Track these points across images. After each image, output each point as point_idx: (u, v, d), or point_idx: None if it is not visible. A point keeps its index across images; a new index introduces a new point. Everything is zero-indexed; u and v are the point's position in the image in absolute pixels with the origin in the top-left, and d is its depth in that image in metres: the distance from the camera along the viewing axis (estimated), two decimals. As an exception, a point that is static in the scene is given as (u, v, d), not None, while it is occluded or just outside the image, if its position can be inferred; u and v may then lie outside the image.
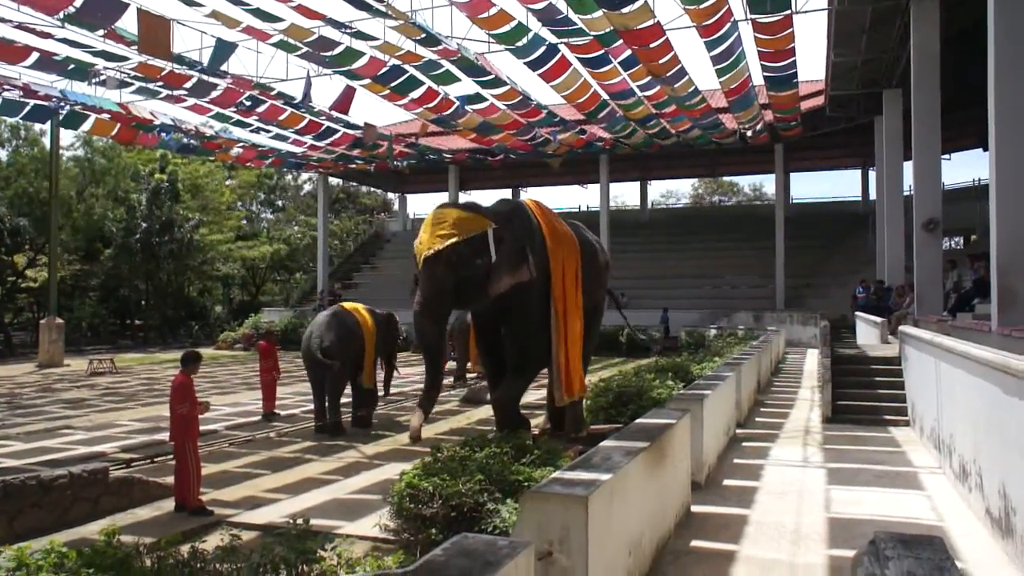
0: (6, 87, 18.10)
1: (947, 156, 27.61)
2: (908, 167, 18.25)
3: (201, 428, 7.99)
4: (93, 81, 17.89)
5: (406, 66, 16.85)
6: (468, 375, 17.84)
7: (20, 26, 14.48)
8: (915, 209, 14.40)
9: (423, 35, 14.88)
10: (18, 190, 31.92)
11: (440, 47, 15.51)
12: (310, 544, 3.99)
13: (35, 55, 15.65)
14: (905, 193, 19.90)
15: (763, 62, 16.85)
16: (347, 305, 12.48)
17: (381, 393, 12.64)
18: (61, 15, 13.59)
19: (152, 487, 7.67)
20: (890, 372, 12.03)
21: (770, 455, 8.78)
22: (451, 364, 20.37)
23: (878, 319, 16.43)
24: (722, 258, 32.58)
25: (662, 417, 6.23)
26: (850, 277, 27.15)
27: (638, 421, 6.21)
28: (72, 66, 16.61)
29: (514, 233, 8.08)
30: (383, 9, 13.93)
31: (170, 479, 7.49)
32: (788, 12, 14.41)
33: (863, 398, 11.56)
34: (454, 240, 7.63)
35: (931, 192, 14.40)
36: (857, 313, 20.59)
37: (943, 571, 2.19)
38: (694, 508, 6.40)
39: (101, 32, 14.59)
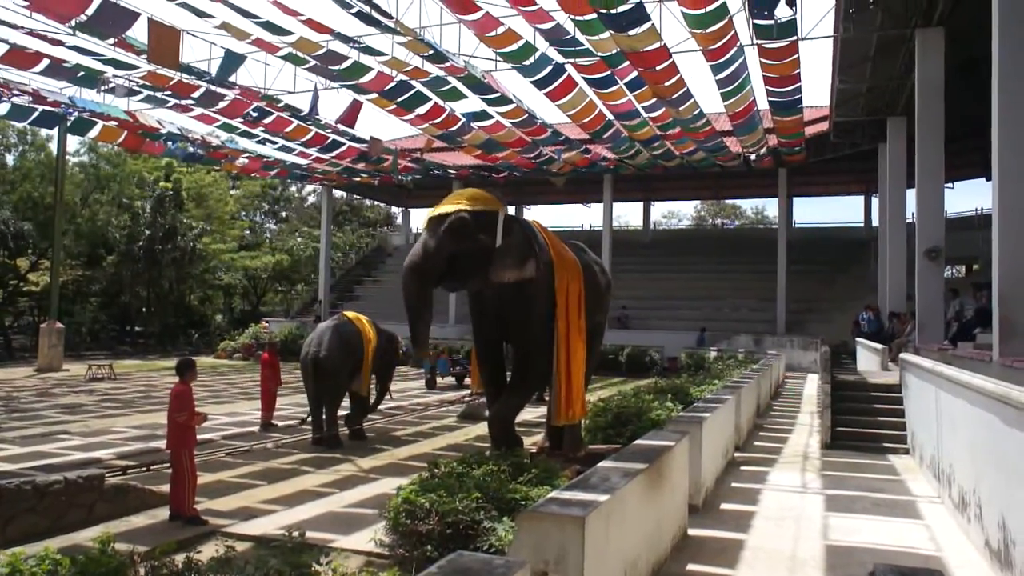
0: (16, 92, 18.21)
1: (950, 185, 27.73)
2: (911, 195, 18.30)
3: (198, 437, 7.98)
4: (102, 88, 17.98)
5: (413, 82, 16.94)
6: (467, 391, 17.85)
7: (32, 33, 14.59)
8: (917, 237, 14.43)
9: (431, 52, 14.97)
10: (23, 194, 32.03)
11: (447, 64, 15.60)
12: (305, 557, 3.98)
13: (45, 62, 15.75)
14: (908, 220, 19.93)
15: (768, 87, 16.94)
16: (349, 315, 12.47)
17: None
18: (72, 23, 13.70)
19: (147, 495, 7.63)
20: (890, 399, 11.99)
21: (768, 480, 8.74)
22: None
23: (879, 346, 16.40)
24: (723, 281, 32.57)
25: (661, 439, 6.21)
26: (852, 303, 27.12)
27: (637, 442, 6.19)
28: (81, 73, 16.70)
29: (525, 232, 8.10)
30: (392, 25, 14.03)
31: (166, 487, 7.46)
32: (794, 38, 14.51)
33: (863, 425, 11.52)
34: (461, 207, 7.64)
35: (934, 220, 14.43)
36: (858, 339, 20.55)
37: (942, 602, 2.17)
38: (691, 531, 6.37)
39: (111, 40, 14.70)
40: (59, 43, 15.05)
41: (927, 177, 14.42)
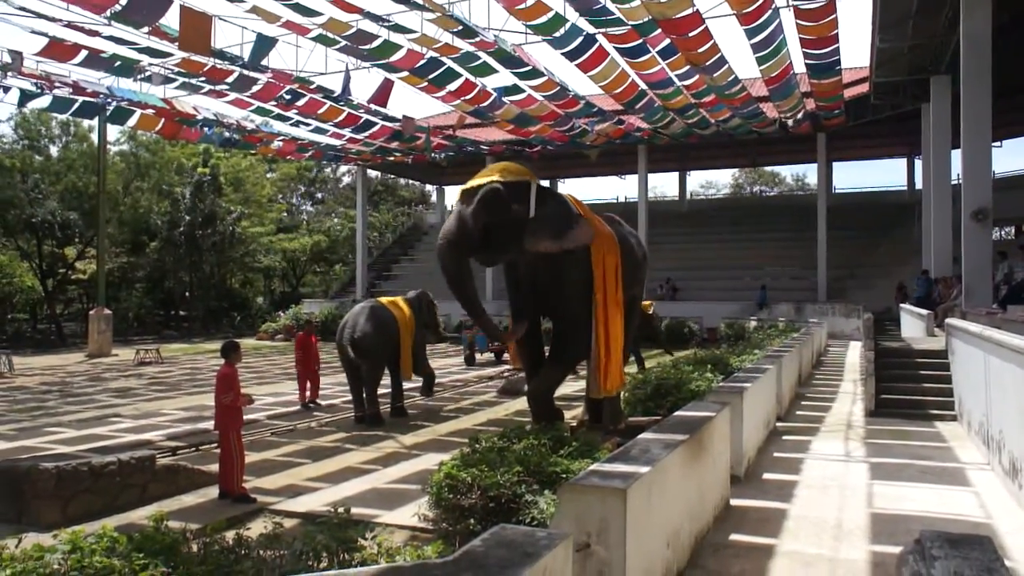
0: (57, 84, 18.58)
1: (998, 143, 26.83)
2: (956, 155, 17.76)
3: (244, 418, 8.15)
4: (138, 77, 18.25)
5: (443, 58, 16.88)
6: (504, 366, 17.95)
7: (69, 25, 14.84)
8: (964, 198, 14.00)
9: (460, 27, 14.87)
10: (68, 185, 32.79)
11: (477, 39, 15.49)
12: (351, 533, 4.04)
13: (83, 53, 16.03)
14: (953, 182, 19.38)
15: (805, 49, 16.51)
16: (383, 299, 12.61)
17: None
18: (108, 13, 13.88)
19: (197, 474, 7.85)
20: (936, 365, 11.75)
21: (811, 449, 8.66)
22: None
23: (924, 311, 16.06)
24: (763, 249, 32.10)
25: (701, 410, 6.18)
26: (895, 268, 26.57)
27: (677, 414, 6.17)
28: (118, 63, 16.96)
29: (563, 204, 8.07)
30: (420, 2, 13.96)
31: (214, 467, 7.66)
32: (831, -2, 14.10)
33: (908, 392, 11.32)
34: (493, 179, 7.73)
35: (981, 181, 13.98)
36: (902, 306, 20.12)
37: (992, 572, 2.13)
38: (733, 501, 6.35)
39: (146, 29, 14.88)
40: (96, 34, 15.28)
41: (974, 136, 13.94)
